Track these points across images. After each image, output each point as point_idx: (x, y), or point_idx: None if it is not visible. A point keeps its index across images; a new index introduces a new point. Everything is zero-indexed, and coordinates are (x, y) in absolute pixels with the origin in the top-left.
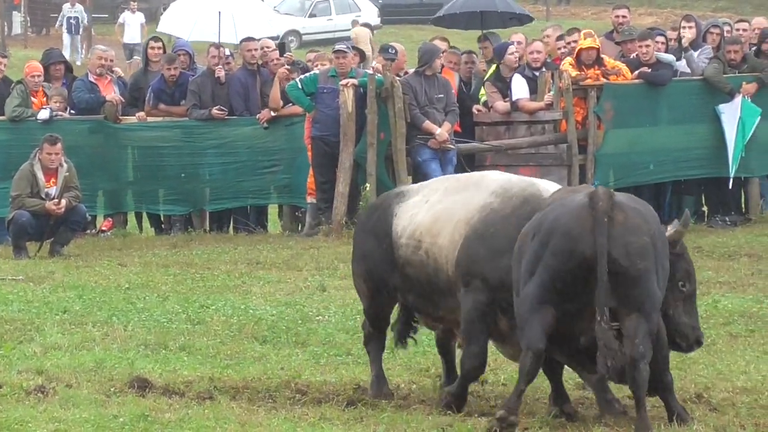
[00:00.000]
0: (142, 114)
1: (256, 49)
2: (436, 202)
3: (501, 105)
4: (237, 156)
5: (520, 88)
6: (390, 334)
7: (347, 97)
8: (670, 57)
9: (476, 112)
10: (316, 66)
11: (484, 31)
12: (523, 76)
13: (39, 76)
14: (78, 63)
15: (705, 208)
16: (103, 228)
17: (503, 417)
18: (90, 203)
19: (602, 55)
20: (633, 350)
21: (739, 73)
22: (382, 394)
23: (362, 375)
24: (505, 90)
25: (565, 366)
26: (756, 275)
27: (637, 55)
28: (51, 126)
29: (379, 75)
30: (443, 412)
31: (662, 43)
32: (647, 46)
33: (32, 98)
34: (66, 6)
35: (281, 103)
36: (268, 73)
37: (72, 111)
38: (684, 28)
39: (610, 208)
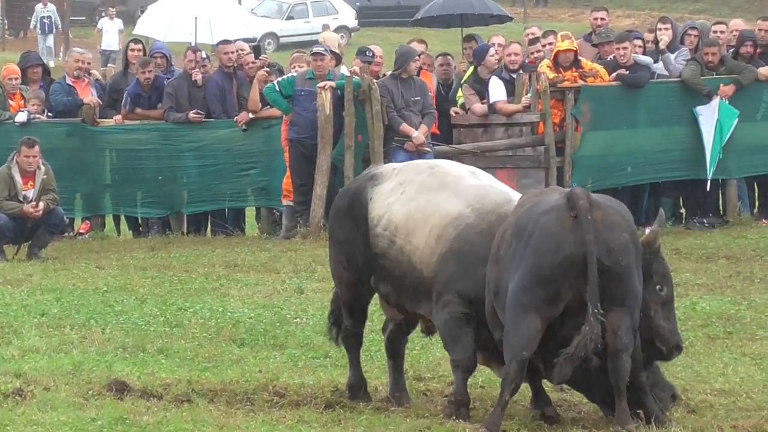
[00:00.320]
0: (118, 117)
1: (232, 52)
2: (410, 198)
3: (478, 107)
4: (214, 159)
5: (497, 90)
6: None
7: (325, 100)
8: (647, 59)
9: (454, 115)
10: (294, 68)
11: (467, 33)
12: (501, 78)
13: (16, 78)
14: (51, 64)
15: (683, 210)
16: (81, 231)
17: None
18: (68, 206)
19: (580, 57)
20: (616, 341)
21: (716, 75)
22: (360, 396)
23: (340, 377)
24: (482, 92)
25: None
26: (734, 277)
27: (614, 57)
28: (28, 129)
29: (356, 77)
30: (423, 415)
31: (639, 46)
32: (625, 48)
33: (9, 101)
34: (39, 6)
35: (260, 105)
36: (244, 75)
37: (49, 114)
38: (660, 30)
39: (589, 207)
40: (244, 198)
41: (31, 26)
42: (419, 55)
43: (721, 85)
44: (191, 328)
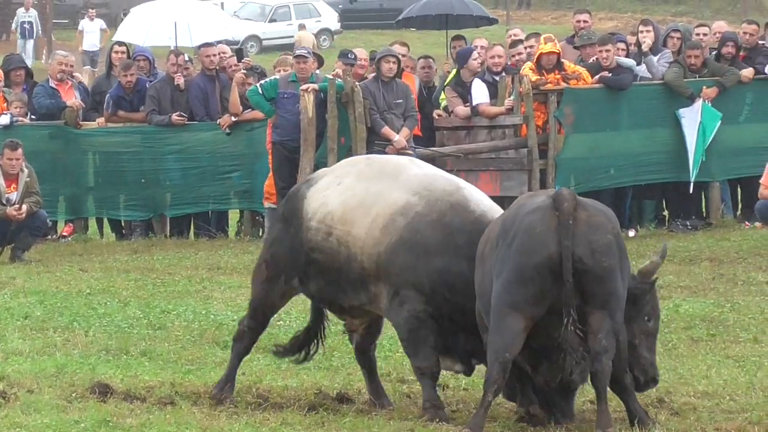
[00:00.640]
0: (101, 120)
1: (214, 55)
2: (348, 188)
3: (461, 110)
4: (197, 161)
5: (480, 92)
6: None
7: (307, 102)
8: (630, 61)
9: (437, 117)
10: (278, 71)
11: (455, 34)
12: (484, 80)
13: None
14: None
15: (666, 213)
16: (64, 233)
17: None
18: (51, 208)
19: (563, 60)
20: (596, 344)
21: (699, 77)
22: (222, 397)
23: (324, 380)
24: (465, 95)
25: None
26: (717, 279)
27: (596, 59)
28: (11, 131)
29: (339, 80)
30: (406, 417)
31: (622, 49)
32: (607, 50)
33: None
34: (20, 10)
35: (241, 108)
36: (227, 78)
37: (32, 116)
38: (642, 32)
39: (574, 209)
40: (227, 201)
41: (13, 27)
42: (402, 56)
43: (704, 87)
44: (174, 331)
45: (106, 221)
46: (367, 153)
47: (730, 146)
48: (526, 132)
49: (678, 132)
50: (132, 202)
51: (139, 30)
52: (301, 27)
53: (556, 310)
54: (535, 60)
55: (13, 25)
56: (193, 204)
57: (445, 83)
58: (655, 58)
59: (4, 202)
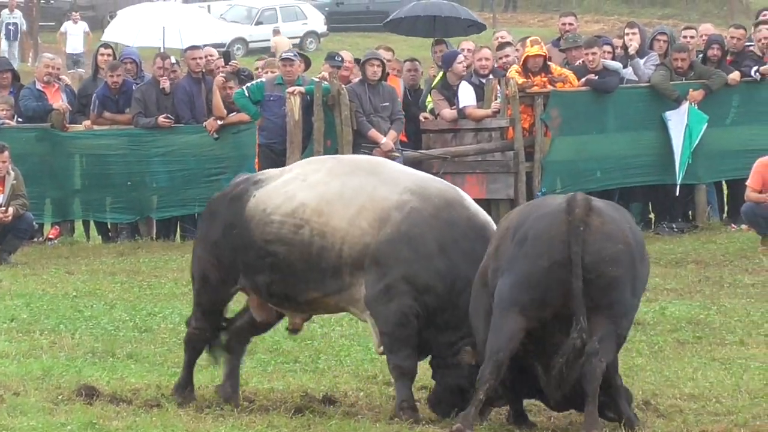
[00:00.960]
0: (88, 122)
1: (200, 58)
2: (320, 182)
3: (448, 112)
4: (183, 164)
5: (467, 95)
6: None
7: (293, 105)
8: (616, 64)
9: (423, 120)
10: (265, 72)
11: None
12: (470, 83)
13: None
14: None
15: (652, 215)
16: (50, 236)
17: (459, 430)
18: (37, 211)
19: (549, 63)
20: (588, 345)
21: (685, 80)
22: (185, 399)
23: (310, 383)
24: (451, 98)
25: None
26: (703, 282)
27: (582, 62)
28: None
29: (325, 83)
30: (393, 420)
31: (608, 51)
32: (593, 53)
33: None
34: (5, 12)
35: (225, 111)
36: (213, 81)
37: (19, 119)
38: (628, 35)
39: (586, 215)
40: None
41: None
42: (389, 61)
43: (691, 90)
44: (161, 333)
45: (92, 224)
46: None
47: (717, 149)
48: (513, 135)
49: (664, 135)
50: (118, 205)
51: (130, 30)
52: (276, 32)
53: (564, 314)
54: (521, 63)
55: None
56: (179, 206)
57: (432, 86)
58: (641, 61)
59: None
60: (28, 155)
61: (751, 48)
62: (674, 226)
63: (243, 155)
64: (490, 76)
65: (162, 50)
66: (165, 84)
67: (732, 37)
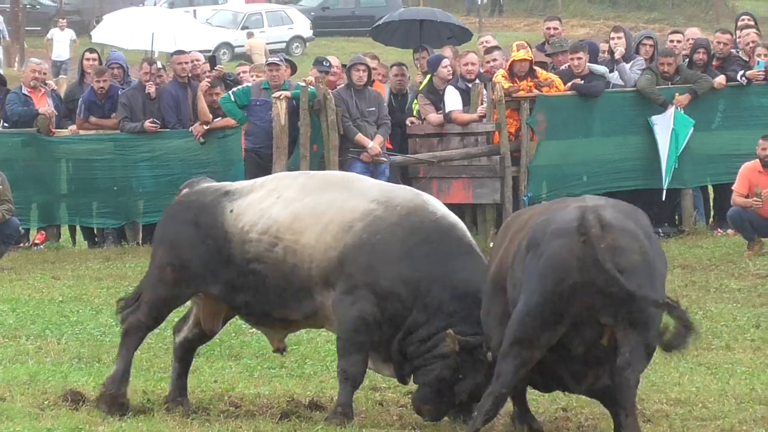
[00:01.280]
0: (74, 127)
1: (186, 62)
2: (293, 199)
3: (434, 117)
4: (170, 169)
5: (453, 99)
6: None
7: (280, 110)
8: (602, 68)
9: (409, 125)
10: (252, 76)
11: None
12: (457, 87)
13: None
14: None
15: None
16: (36, 241)
17: None
18: (23, 216)
19: (535, 67)
20: (618, 359)
21: (672, 84)
22: (120, 393)
23: (296, 388)
24: (438, 102)
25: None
26: (689, 287)
27: (568, 66)
28: None
29: (311, 87)
30: (378, 425)
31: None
32: (579, 58)
33: None
34: None
35: (210, 116)
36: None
37: (5, 124)
38: (613, 39)
39: (600, 236)
40: None
41: None
42: (369, 65)
43: (677, 94)
44: (146, 339)
45: (78, 229)
46: (340, 160)
47: (703, 153)
48: (499, 139)
49: (650, 139)
50: (104, 210)
51: (123, 34)
52: (250, 35)
53: (580, 324)
54: (507, 67)
55: None
56: None
57: (419, 90)
58: (627, 66)
59: None
60: (14, 160)
61: (737, 53)
62: (660, 230)
63: (229, 160)
64: (477, 81)
65: (155, 54)
66: (151, 89)
67: (719, 42)
